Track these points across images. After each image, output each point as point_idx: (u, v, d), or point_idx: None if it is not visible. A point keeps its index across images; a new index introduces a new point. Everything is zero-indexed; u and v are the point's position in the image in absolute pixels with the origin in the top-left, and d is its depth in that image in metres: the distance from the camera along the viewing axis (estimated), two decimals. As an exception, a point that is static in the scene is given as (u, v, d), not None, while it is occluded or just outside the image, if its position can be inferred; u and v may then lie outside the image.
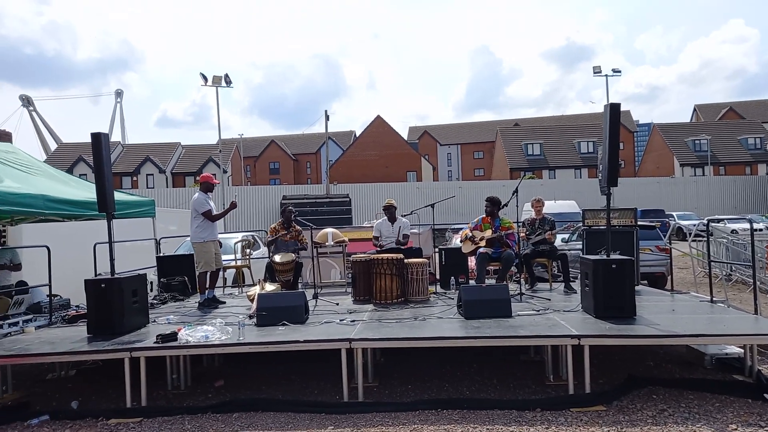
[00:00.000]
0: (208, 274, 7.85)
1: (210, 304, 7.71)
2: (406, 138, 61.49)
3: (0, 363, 5.51)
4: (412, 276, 7.39)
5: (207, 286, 7.82)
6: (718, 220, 8.11)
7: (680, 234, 21.89)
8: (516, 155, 52.96)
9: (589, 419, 4.47)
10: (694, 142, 49.39)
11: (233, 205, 7.82)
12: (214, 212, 7.71)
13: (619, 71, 34.86)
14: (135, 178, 53.34)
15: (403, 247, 8.23)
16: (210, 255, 7.67)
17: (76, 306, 7.76)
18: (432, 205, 8.63)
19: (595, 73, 34.26)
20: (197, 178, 50.09)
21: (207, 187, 7.84)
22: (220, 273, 9.00)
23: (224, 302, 7.88)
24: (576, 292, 7.52)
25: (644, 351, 6.33)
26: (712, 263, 7.88)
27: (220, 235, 8.16)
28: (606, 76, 34.22)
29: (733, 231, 12.73)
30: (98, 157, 6.24)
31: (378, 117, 55.55)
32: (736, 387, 5.07)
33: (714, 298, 6.95)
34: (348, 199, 33.06)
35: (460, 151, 70.25)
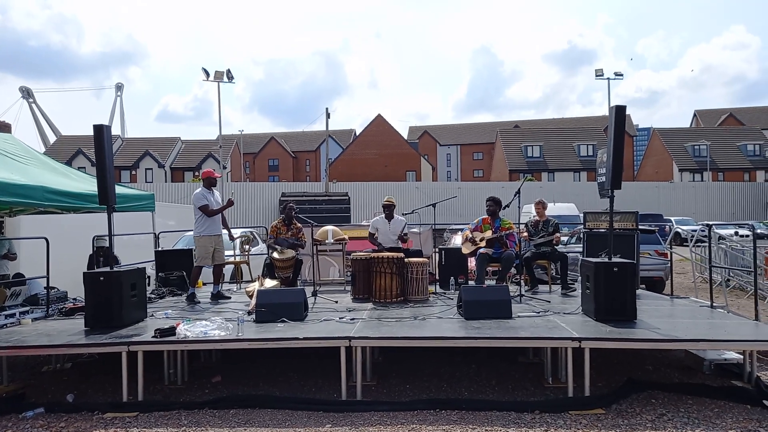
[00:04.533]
0: (212, 269, 7.94)
1: (216, 299, 7.76)
2: (406, 137, 61.45)
3: (-4, 354, 5.48)
4: (412, 275, 7.36)
5: (204, 282, 7.84)
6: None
7: (678, 239, 21.89)
8: (515, 157, 52.96)
9: (588, 422, 4.45)
10: (693, 148, 49.43)
11: (230, 203, 7.91)
12: (213, 207, 7.70)
13: (621, 75, 34.98)
14: (134, 172, 53.23)
15: (402, 247, 8.22)
16: (206, 250, 7.65)
17: (74, 298, 7.73)
18: (433, 205, 8.62)
19: (597, 76, 34.32)
20: (196, 173, 50.05)
21: (209, 182, 7.87)
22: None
23: (229, 297, 7.88)
24: (575, 295, 7.50)
25: (643, 355, 6.32)
26: (712, 268, 7.85)
27: None
28: (608, 79, 34.33)
29: (721, 238, 12.70)
30: (100, 149, 6.19)
31: (378, 116, 55.51)
32: (735, 393, 5.05)
33: (713, 304, 6.94)
34: (347, 198, 32.99)
35: (460, 151, 70.25)
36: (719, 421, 4.44)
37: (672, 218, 28.30)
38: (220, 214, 7.87)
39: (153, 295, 8.19)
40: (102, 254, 8.68)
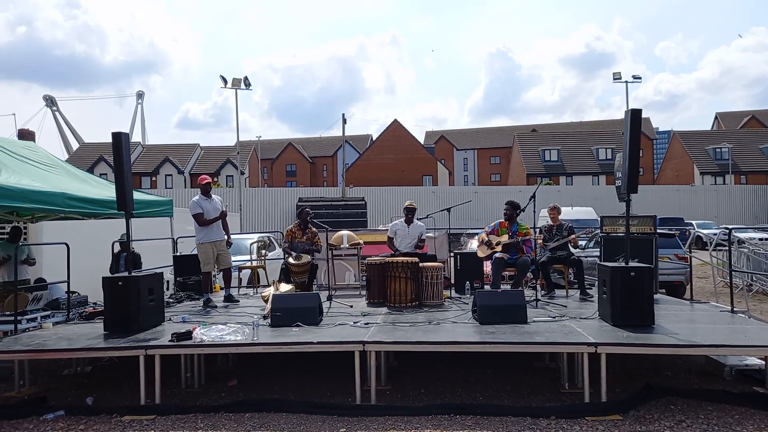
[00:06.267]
0: (221, 274, 8.08)
1: (227, 302, 7.85)
2: (422, 142, 61.43)
3: (18, 358, 5.60)
4: (427, 280, 7.35)
5: (221, 286, 7.95)
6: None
7: (700, 243, 21.56)
8: (533, 161, 52.61)
9: (604, 428, 4.40)
10: (714, 150, 48.63)
11: (223, 214, 7.89)
12: (208, 215, 7.75)
13: (639, 78, 34.58)
14: (154, 179, 53.94)
15: (419, 252, 8.22)
16: (206, 256, 7.78)
17: (94, 303, 7.85)
18: (448, 210, 8.61)
19: (614, 79, 34.01)
20: (215, 179, 50.71)
21: (203, 189, 7.92)
22: (235, 273, 9.08)
23: (238, 300, 7.94)
24: (593, 300, 7.43)
25: (662, 360, 6.22)
26: (733, 273, 7.71)
27: (236, 236, 8.22)
28: (626, 82, 33.99)
29: (740, 241, 12.49)
30: (118, 156, 6.31)
31: (395, 121, 55.60)
32: (757, 399, 4.96)
33: (734, 309, 6.82)
34: (364, 202, 33.08)
35: (477, 156, 69.98)
36: (740, 428, 4.36)
37: (693, 222, 27.86)
38: (221, 220, 7.92)
39: (171, 300, 8.29)
40: (124, 249, 8.81)
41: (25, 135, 12.53)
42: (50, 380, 6.23)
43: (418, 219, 8.68)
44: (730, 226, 9.48)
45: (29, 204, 6.41)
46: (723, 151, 47.31)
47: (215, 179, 48.94)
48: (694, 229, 21.28)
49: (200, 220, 7.71)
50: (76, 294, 7.89)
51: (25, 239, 9.15)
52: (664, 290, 10.02)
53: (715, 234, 11.85)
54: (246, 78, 31.35)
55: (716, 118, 64.98)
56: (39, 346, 5.51)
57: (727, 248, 8.02)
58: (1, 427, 4.80)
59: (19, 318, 6.55)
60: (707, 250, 10.02)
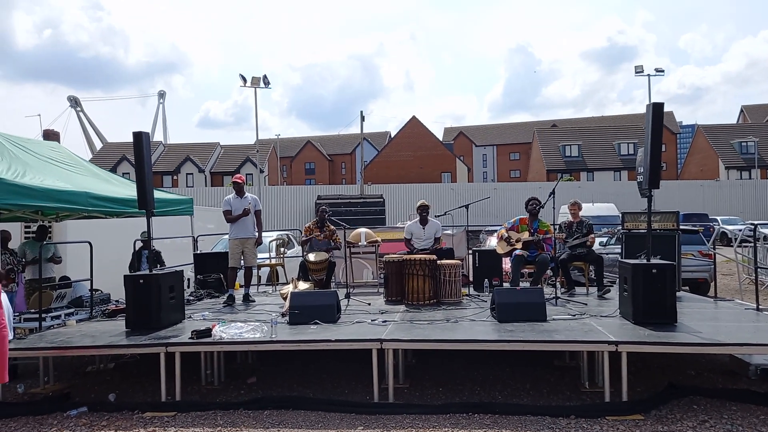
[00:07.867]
0: (242, 271, 8.13)
1: (245, 301, 7.89)
2: (441, 139, 61.23)
3: (42, 355, 5.71)
4: (445, 277, 7.33)
5: (241, 283, 8.02)
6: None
7: (725, 239, 21.13)
8: (553, 156, 52.09)
9: (625, 428, 4.34)
10: (740, 144, 47.62)
11: (245, 212, 7.93)
12: (236, 213, 7.88)
13: (662, 71, 34.01)
14: (175, 177, 54.61)
15: (438, 249, 8.17)
16: (233, 252, 7.93)
17: (116, 301, 7.97)
18: (466, 206, 8.56)
19: (637, 72, 33.48)
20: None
21: (236, 188, 8.08)
22: (254, 271, 9.14)
23: (254, 300, 7.98)
24: (608, 298, 7.33)
25: (685, 359, 6.12)
26: (759, 270, 7.55)
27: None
28: (648, 75, 33.44)
29: (765, 237, 12.18)
30: (139, 155, 6.38)
31: (413, 118, 55.45)
32: (784, 399, 4.85)
33: (760, 306, 6.67)
34: (382, 200, 33.02)
35: (496, 152, 69.53)
36: (765, 429, 4.26)
37: (718, 218, 27.32)
38: (255, 219, 8.03)
39: (191, 297, 8.38)
40: (145, 247, 8.95)
41: (50, 135, 12.76)
42: (74, 377, 6.35)
43: (435, 216, 8.63)
44: (755, 222, 9.28)
45: (53, 203, 6.54)
46: (749, 144, 46.33)
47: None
48: (718, 225, 20.88)
49: (226, 216, 7.94)
50: (99, 292, 8.04)
51: (50, 238, 9.32)
52: (687, 287, 9.84)
53: (740, 230, 11.61)
54: (265, 76, 31.36)
55: (742, 111, 63.53)
56: (63, 343, 5.62)
57: (752, 244, 7.85)
58: (26, 422, 4.90)
59: (43, 315, 6.68)
60: (732, 246, 9.82)
